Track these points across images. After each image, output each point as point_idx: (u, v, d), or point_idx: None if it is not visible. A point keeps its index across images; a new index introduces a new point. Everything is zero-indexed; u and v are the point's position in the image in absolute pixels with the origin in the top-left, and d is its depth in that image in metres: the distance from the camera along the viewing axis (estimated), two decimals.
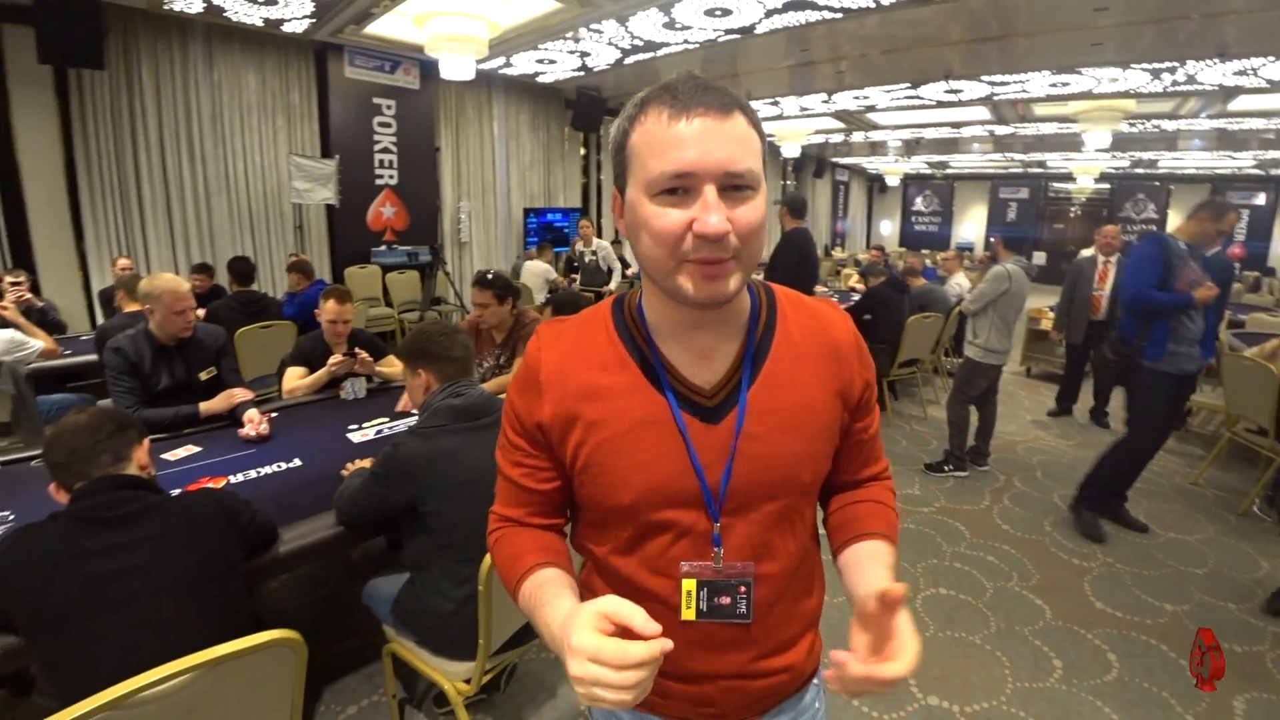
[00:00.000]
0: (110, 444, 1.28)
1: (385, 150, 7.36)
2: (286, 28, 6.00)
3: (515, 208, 9.02)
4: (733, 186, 0.64)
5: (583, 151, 9.92)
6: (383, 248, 7.47)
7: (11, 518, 1.83)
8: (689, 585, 0.76)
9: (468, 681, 1.70)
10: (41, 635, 1.16)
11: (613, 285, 6.85)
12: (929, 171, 17.21)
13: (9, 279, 4.61)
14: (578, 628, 0.58)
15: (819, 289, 6.15)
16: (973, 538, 3.24)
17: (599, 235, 9.99)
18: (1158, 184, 14.63)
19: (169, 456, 2.24)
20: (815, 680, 0.92)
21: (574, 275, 7.31)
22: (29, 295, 4.59)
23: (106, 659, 1.14)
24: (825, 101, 8.66)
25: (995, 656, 2.38)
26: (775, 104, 9.08)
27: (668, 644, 0.56)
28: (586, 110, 8.67)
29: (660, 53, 6.67)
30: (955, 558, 3.06)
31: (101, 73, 5.39)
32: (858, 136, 11.70)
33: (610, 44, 6.51)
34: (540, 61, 7.32)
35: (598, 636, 0.56)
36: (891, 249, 14.57)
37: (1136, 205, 14.92)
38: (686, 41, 6.21)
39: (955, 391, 4.00)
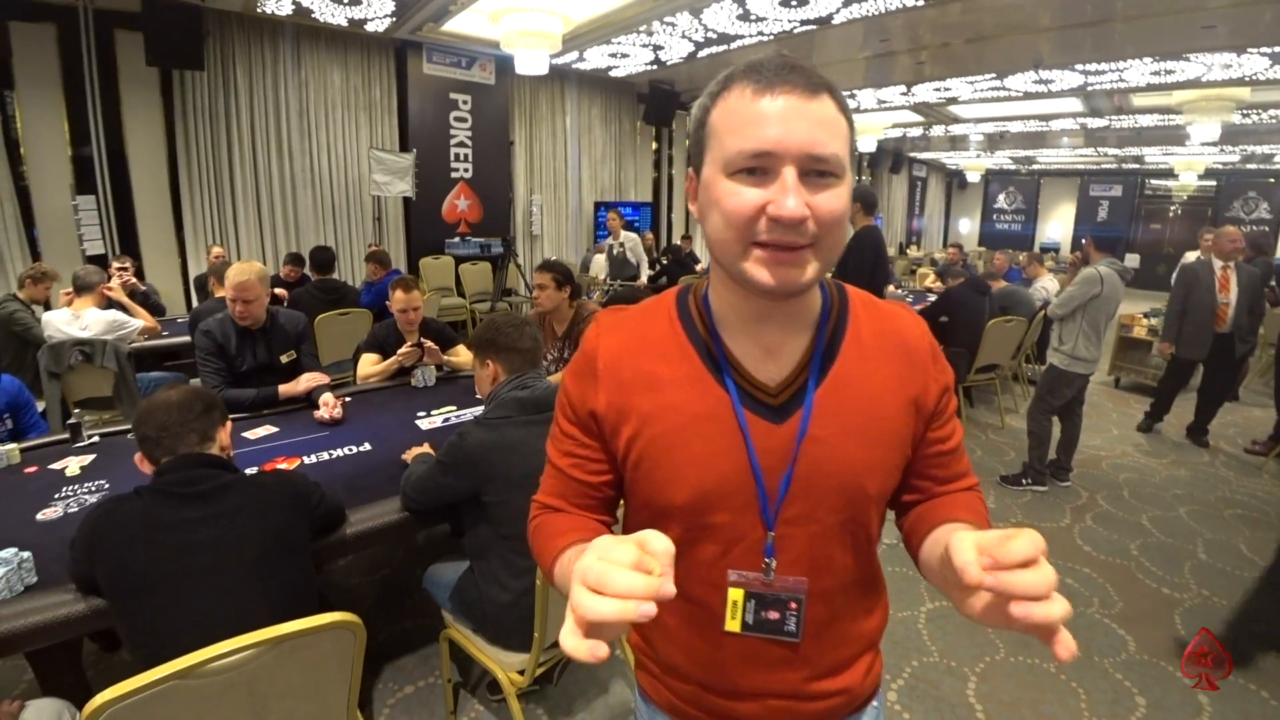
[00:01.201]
0: (198, 424, 1.35)
1: (461, 144, 7.56)
2: (369, 27, 6.22)
3: (586, 201, 9.11)
4: (815, 171, 0.61)
5: (654, 146, 9.90)
6: (456, 239, 7.68)
7: (107, 486, 1.97)
8: (735, 595, 0.73)
9: (521, 673, 1.72)
10: (123, 600, 1.24)
11: (642, 279, 6.80)
12: (1013, 167, 16.33)
13: (115, 264, 4.99)
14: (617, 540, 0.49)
15: (891, 290, 5.93)
16: (1051, 558, 3.02)
17: (666, 231, 9.99)
18: (1272, 180, 13.40)
19: (249, 435, 2.37)
20: (875, 702, 0.86)
21: (655, 273, 7.32)
22: (133, 280, 4.95)
23: (180, 628, 1.20)
24: (904, 94, 8.33)
25: (1071, 688, 2.23)
26: (851, 97, 8.81)
27: (668, 589, 0.45)
28: (659, 104, 8.67)
29: (734, 45, 6.57)
30: None
31: (201, 73, 5.76)
32: (937, 130, 11.22)
33: (684, 37, 6.46)
34: (613, 56, 7.34)
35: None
36: (970, 248, 13.95)
37: (1246, 204, 13.71)
38: (761, 34, 6.09)
39: (1037, 400, 3.77)
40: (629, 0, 5.51)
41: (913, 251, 14.20)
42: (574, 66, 7.85)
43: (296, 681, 1.20)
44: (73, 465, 2.11)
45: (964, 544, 0.51)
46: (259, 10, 5.67)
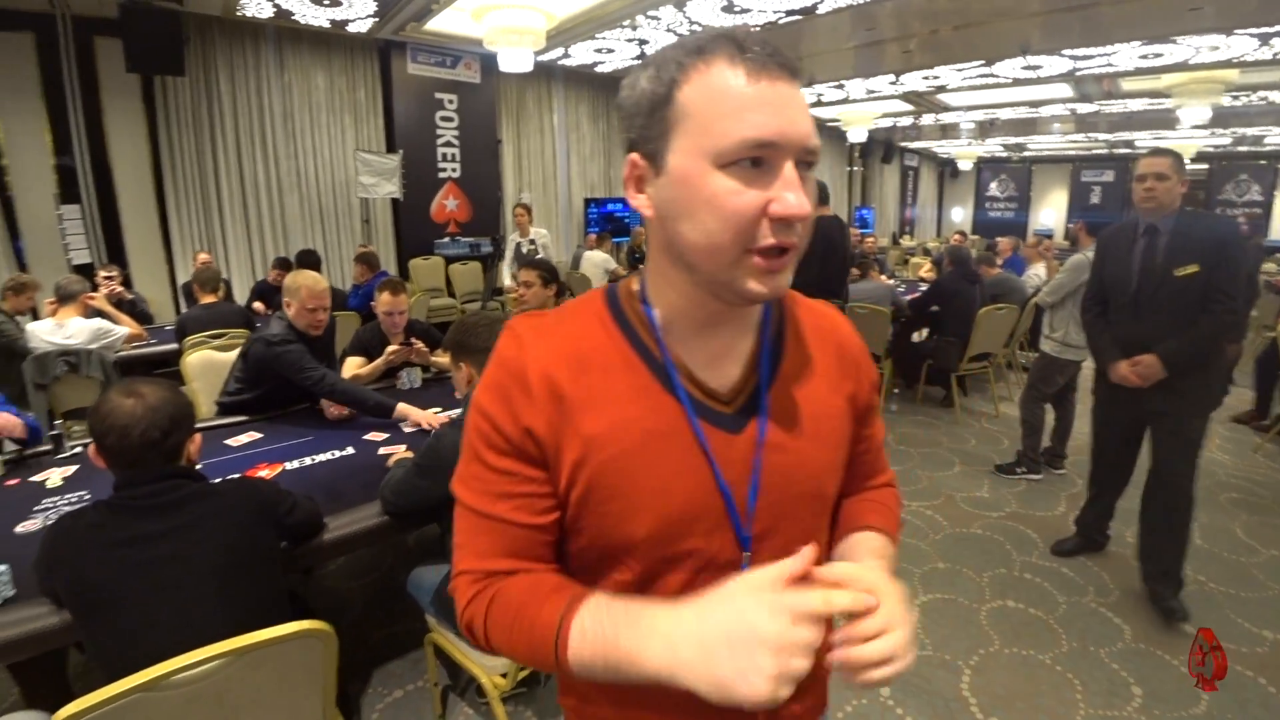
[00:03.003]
0: (163, 446, 1.29)
1: (448, 144, 7.52)
2: (351, 28, 6.18)
3: (576, 198, 9.09)
4: (805, 164, 0.57)
5: None
6: (446, 239, 7.65)
7: (89, 497, 1.94)
8: None
9: (504, 676, 1.69)
10: (84, 615, 1.22)
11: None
12: (1004, 154, 16.34)
13: (102, 273, 4.94)
14: (757, 588, 0.50)
15: (885, 280, 5.91)
16: (1046, 546, 3.03)
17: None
18: (1263, 163, 13.40)
19: (230, 443, 2.34)
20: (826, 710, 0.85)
21: (640, 266, 7.24)
22: (120, 288, 4.90)
23: (142, 642, 1.17)
24: (893, 83, 8.31)
25: (1066, 678, 2.21)
26: (840, 87, 8.78)
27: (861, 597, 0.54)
28: None
29: None
30: (1026, 568, 2.87)
31: (183, 79, 5.71)
32: (928, 119, 11.20)
33: (669, 30, 6.41)
34: (599, 51, 7.30)
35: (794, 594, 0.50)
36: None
37: (1239, 187, 13.72)
38: (746, 26, 6.05)
39: (1029, 388, 3.76)
40: None
41: (906, 241, 14.19)
42: (560, 63, 7.82)
43: (268, 691, 1.18)
44: (54, 477, 2.07)
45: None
46: (239, 14, 5.62)
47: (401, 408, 2.46)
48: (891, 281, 6.41)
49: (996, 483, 3.72)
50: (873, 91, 8.90)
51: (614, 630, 0.54)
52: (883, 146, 13.81)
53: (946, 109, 10.19)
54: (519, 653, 0.62)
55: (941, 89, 8.61)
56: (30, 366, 3.44)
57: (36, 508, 1.86)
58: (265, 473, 2.03)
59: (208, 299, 4.10)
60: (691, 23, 6.09)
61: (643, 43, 6.89)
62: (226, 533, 1.29)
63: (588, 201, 9.08)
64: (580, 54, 7.38)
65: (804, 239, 0.58)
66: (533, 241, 6.59)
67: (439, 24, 6.17)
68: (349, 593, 2.72)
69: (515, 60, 5.80)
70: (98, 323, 3.78)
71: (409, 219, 7.37)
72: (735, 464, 0.65)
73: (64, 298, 3.78)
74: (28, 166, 5.46)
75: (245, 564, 1.31)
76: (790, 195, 0.54)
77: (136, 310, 4.93)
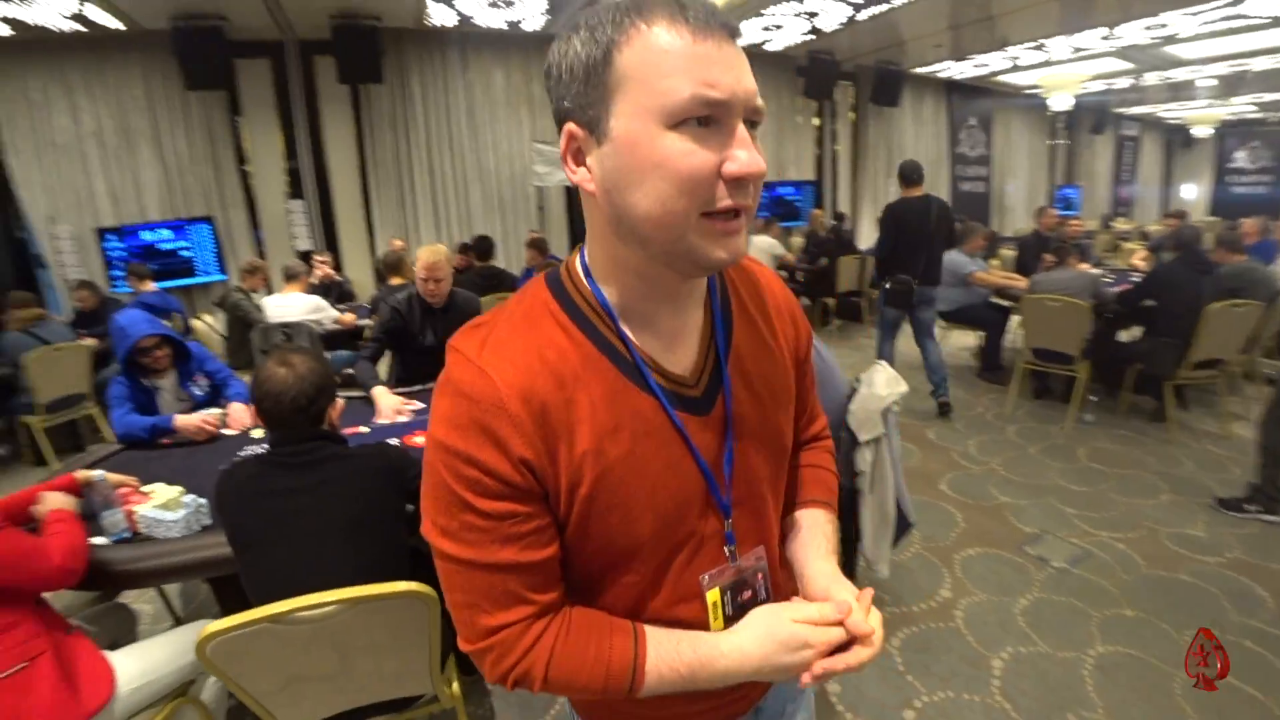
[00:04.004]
0: (308, 412, 1.48)
1: None
2: (525, 26, 6.53)
3: None
4: (751, 124, 0.56)
5: (816, 121, 9.45)
6: None
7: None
8: (714, 596, 0.69)
9: None
10: (238, 550, 1.43)
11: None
12: (1257, 115, 13.42)
13: (317, 258, 5.81)
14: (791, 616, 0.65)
15: (1086, 267, 5.16)
16: (1278, 609, 2.38)
17: (832, 208, 9.51)
18: None
19: (403, 411, 2.56)
20: None
21: (816, 253, 6.93)
22: (330, 271, 5.68)
23: (279, 579, 1.34)
24: (1106, 38, 7.15)
25: None
26: (1039, 48, 7.76)
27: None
28: (819, 76, 8.27)
29: (897, 2, 6.04)
30: (1246, 633, 2.25)
31: (381, 85, 6.40)
32: (1151, 78, 9.46)
33: (839, 0, 6.06)
34: (766, 29, 7.08)
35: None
36: (1199, 219, 11.75)
37: None
38: None
39: (1275, 406, 3.04)
40: None
41: (1120, 223, 12.27)
42: None
43: (379, 639, 1.31)
44: (258, 430, 2.41)
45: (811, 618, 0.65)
46: (427, 24, 6.17)
47: (375, 391, 2.53)
48: (1096, 270, 5.58)
49: (1217, 520, 3.01)
50: (1081, 50, 7.73)
51: (691, 673, 0.64)
52: (1093, 114, 11.89)
53: (1177, 63, 8.52)
54: (589, 690, 0.63)
55: (1169, 40, 7.22)
56: (257, 335, 4.13)
57: (240, 452, 2.17)
58: (420, 440, 2.22)
59: (395, 280, 4.60)
60: None
61: (811, 15, 6.56)
62: (355, 493, 1.44)
63: None
64: (747, 32, 7.20)
65: (756, 200, 0.57)
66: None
67: None
68: None
69: None
70: (315, 299, 4.50)
71: (580, 206, 7.68)
72: (710, 444, 0.67)
73: (289, 277, 4.56)
74: (266, 169, 6.48)
75: (371, 521, 1.45)
76: (743, 153, 0.53)
77: (343, 290, 5.69)
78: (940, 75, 9.65)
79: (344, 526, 1.41)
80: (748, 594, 0.72)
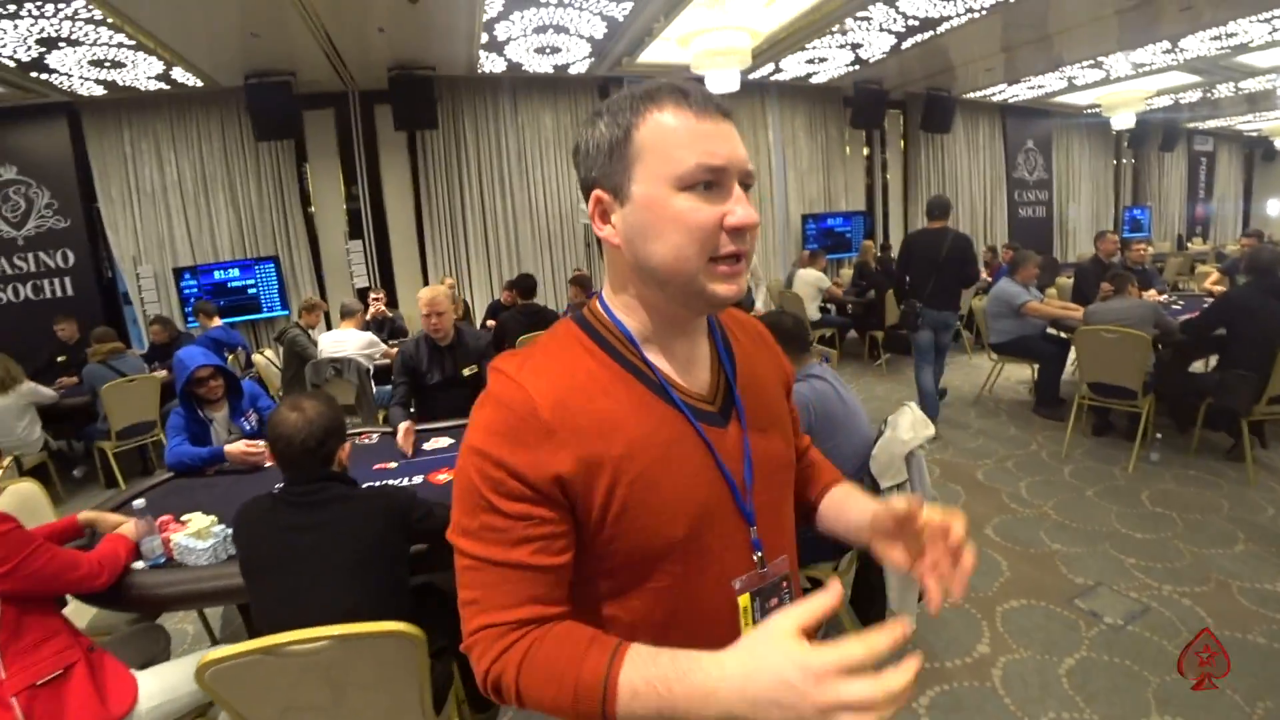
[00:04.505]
0: (318, 453, 1.55)
1: None
2: (572, 70, 6.75)
3: (793, 215, 8.92)
4: (744, 185, 0.67)
5: (865, 151, 9.37)
6: None
7: None
8: (744, 601, 0.73)
9: None
10: (247, 580, 1.51)
11: None
12: None
13: (373, 295, 6.06)
14: (789, 653, 0.51)
15: (1154, 295, 4.89)
16: None
17: (883, 238, 9.35)
18: None
19: (427, 447, 2.62)
20: None
21: (865, 286, 6.81)
22: (383, 308, 5.92)
23: (282, 612, 1.40)
24: (1168, 50, 6.85)
25: None
26: (1097, 65, 7.49)
27: (908, 624, 0.55)
28: (867, 106, 8.24)
29: (942, 29, 5.97)
30: None
31: (435, 131, 6.72)
32: (1224, 89, 8.97)
33: (882, 29, 6.04)
34: (810, 62, 7.11)
35: (825, 650, 0.50)
36: None
37: None
38: (970, 10, 5.45)
39: None
40: (815, 2, 5.28)
41: (1196, 244, 11.58)
42: (773, 79, 7.75)
43: (370, 676, 1.36)
44: None
45: (889, 538, 0.74)
46: (479, 71, 6.46)
47: (402, 427, 2.54)
48: (1163, 297, 5.28)
49: None
50: (1142, 66, 7.42)
51: (667, 689, 0.56)
52: (1160, 131, 11.35)
53: (1251, 73, 8.01)
54: (559, 708, 0.61)
55: (1242, 49, 6.84)
56: (310, 370, 4.31)
57: (279, 485, 2.25)
58: (444, 476, 2.26)
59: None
60: (906, 17, 5.65)
61: (856, 47, 6.55)
62: (358, 534, 1.49)
63: (805, 218, 8.84)
64: (792, 67, 7.25)
65: (753, 247, 0.69)
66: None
67: (650, 56, 6.46)
68: None
69: (722, 81, 5.86)
70: (369, 336, 4.70)
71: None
72: (731, 454, 0.74)
73: (345, 314, 4.79)
74: (328, 211, 6.88)
75: (371, 561, 1.49)
76: (739, 209, 0.65)
77: (395, 326, 5.92)
78: (994, 99, 9.41)
79: (346, 564, 1.46)
80: (774, 602, 0.75)
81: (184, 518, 1.90)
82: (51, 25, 4.40)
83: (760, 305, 6.66)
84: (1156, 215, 12.46)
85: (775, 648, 0.52)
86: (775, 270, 8.73)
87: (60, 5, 4.13)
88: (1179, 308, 4.92)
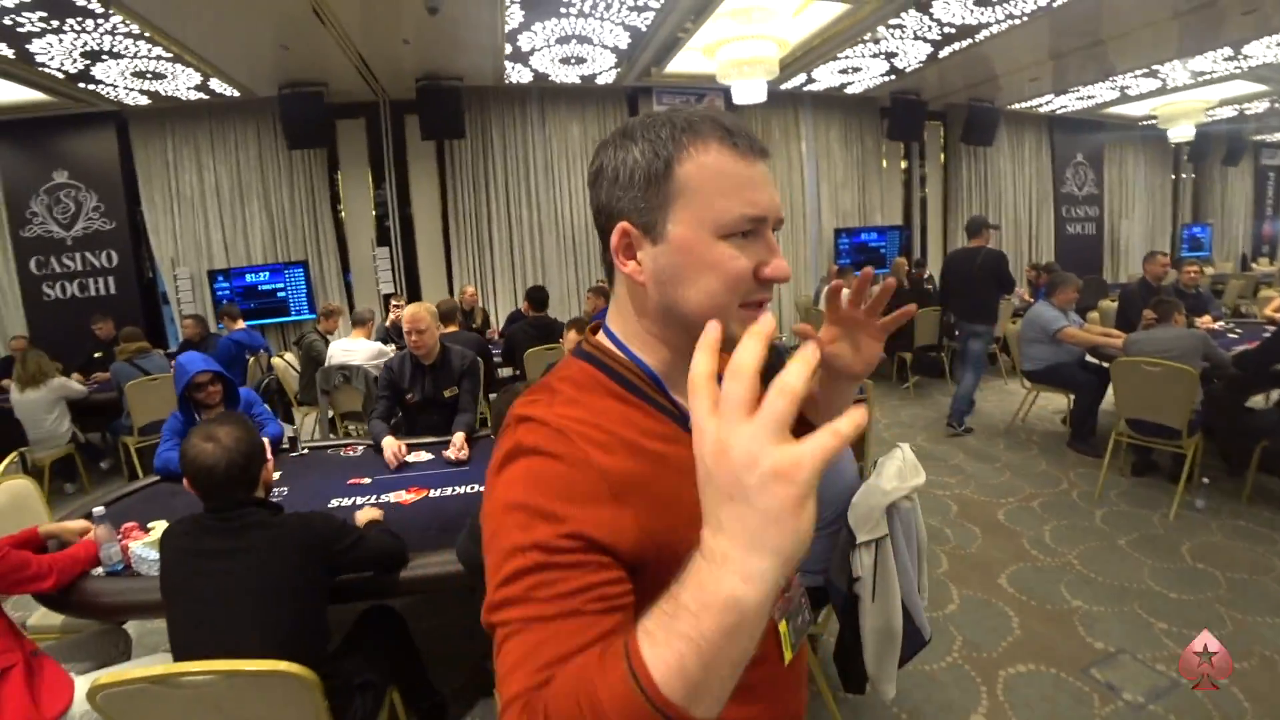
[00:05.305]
0: (243, 477, 1.50)
1: None
2: (599, 80, 6.72)
3: (826, 229, 8.68)
4: (774, 229, 0.67)
5: (903, 164, 9.07)
6: None
7: (286, 493, 2.33)
8: (783, 628, 0.74)
9: None
10: (164, 600, 1.47)
11: None
12: None
13: (394, 302, 6.12)
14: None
15: (1202, 322, 4.59)
16: None
17: (921, 254, 9.03)
18: None
19: (411, 459, 2.60)
20: None
21: (894, 304, 6.52)
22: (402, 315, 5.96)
23: (187, 637, 1.38)
24: (1230, 58, 6.43)
25: None
26: (1152, 74, 7.08)
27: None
28: (904, 117, 7.97)
29: (980, 36, 5.72)
30: None
31: (462, 140, 6.77)
32: None
33: (917, 37, 5.83)
34: (844, 72, 6.93)
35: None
36: None
37: None
38: (1010, 16, 5.20)
39: None
40: (843, 9, 5.12)
41: (1263, 265, 10.84)
42: (805, 89, 7.57)
43: (262, 714, 1.30)
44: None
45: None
46: (507, 81, 6.48)
47: (384, 442, 2.59)
48: (1218, 324, 4.91)
49: None
50: (1201, 74, 6.98)
51: (674, 610, 0.44)
52: (1224, 143, 10.64)
53: None
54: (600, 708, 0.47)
55: None
56: (320, 376, 4.36)
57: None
58: (410, 496, 2.20)
59: (450, 328, 4.73)
60: (942, 25, 5.43)
61: (890, 56, 6.34)
62: (273, 562, 1.43)
63: (838, 232, 8.59)
64: (825, 77, 7.08)
65: (773, 291, 0.69)
66: None
67: (677, 66, 6.40)
68: (432, 630, 2.52)
69: (748, 92, 5.75)
70: (376, 345, 4.71)
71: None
72: None
73: (356, 323, 4.80)
74: (357, 219, 7.00)
75: (284, 591, 1.43)
76: (775, 260, 0.65)
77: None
78: (1040, 110, 9.01)
79: (258, 593, 1.40)
80: (800, 620, 0.78)
81: (149, 525, 1.89)
82: (93, 39, 4.59)
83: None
84: (1218, 233, 11.73)
85: (721, 465, 0.44)
86: (805, 285, 8.51)
87: (99, 20, 4.29)
88: (1236, 336, 4.56)
